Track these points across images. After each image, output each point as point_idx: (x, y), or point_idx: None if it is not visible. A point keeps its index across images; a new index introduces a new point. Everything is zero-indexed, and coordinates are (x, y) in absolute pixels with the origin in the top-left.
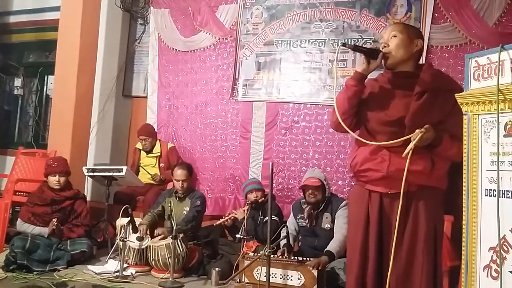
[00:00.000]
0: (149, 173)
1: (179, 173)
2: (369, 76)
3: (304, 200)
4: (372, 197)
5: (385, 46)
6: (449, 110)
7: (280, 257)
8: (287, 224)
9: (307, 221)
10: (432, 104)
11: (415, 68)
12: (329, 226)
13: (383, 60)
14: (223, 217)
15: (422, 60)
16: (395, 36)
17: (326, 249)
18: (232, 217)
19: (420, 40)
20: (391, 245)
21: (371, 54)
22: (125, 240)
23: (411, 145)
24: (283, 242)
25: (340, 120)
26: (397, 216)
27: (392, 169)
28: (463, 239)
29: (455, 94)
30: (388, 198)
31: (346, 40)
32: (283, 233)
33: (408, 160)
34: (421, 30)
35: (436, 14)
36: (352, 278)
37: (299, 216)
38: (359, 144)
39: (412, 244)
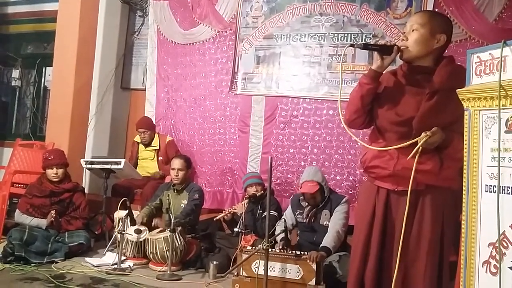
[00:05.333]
0: (148, 172)
1: (175, 162)
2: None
3: (303, 197)
4: (380, 193)
5: (403, 39)
6: (463, 110)
7: (279, 251)
8: (284, 216)
9: (306, 219)
10: (444, 105)
11: (434, 63)
12: (327, 223)
13: (399, 53)
14: (223, 211)
15: None
16: (416, 30)
17: (322, 245)
18: (232, 212)
19: (443, 35)
20: (393, 242)
21: (384, 50)
22: (123, 232)
23: (416, 148)
24: (280, 236)
25: (342, 121)
26: (405, 214)
27: (398, 168)
28: (463, 235)
29: (457, 90)
30: (395, 195)
31: (345, 35)
32: (281, 226)
33: (415, 160)
34: None
35: (437, 9)
36: (353, 270)
37: (297, 212)
38: (371, 140)
39: (416, 243)
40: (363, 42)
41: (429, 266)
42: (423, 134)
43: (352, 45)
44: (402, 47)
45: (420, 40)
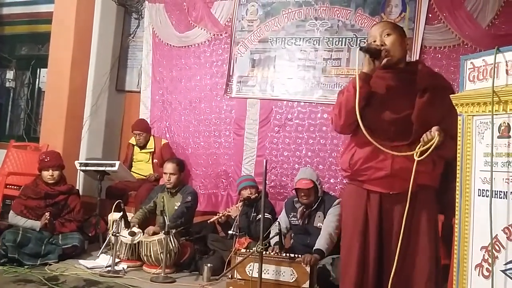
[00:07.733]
0: (142, 175)
1: (167, 166)
2: None
3: (297, 199)
4: (371, 198)
5: (382, 45)
6: (447, 108)
7: (273, 253)
8: (279, 220)
9: (300, 220)
10: (434, 101)
11: (406, 65)
12: (321, 224)
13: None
14: (218, 214)
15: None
16: (389, 35)
17: (315, 247)
18: (226, 214)
19: (406, 39)
20: (391, 246)
21: (376, 53)
22: (117, 235)
23: (433, 147)
24: (274, 239)
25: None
26: (404, 217)
27: (396, 167)
28: (456, 238)
29: (450, 95)
30: (388, 198)
31: (340, 39)
32: (275, 230)
33: (416, 161)
34: (415, 30)
35: (430, 15)
36: (351, 280)
37: (291, 215)
38: (356, 142)
39: (414, 244)
40: (361, 45)
41: (430, 265)
42: (436, 133)
43: (361, 49)
44: (387, 52)
45: (397, 43)
